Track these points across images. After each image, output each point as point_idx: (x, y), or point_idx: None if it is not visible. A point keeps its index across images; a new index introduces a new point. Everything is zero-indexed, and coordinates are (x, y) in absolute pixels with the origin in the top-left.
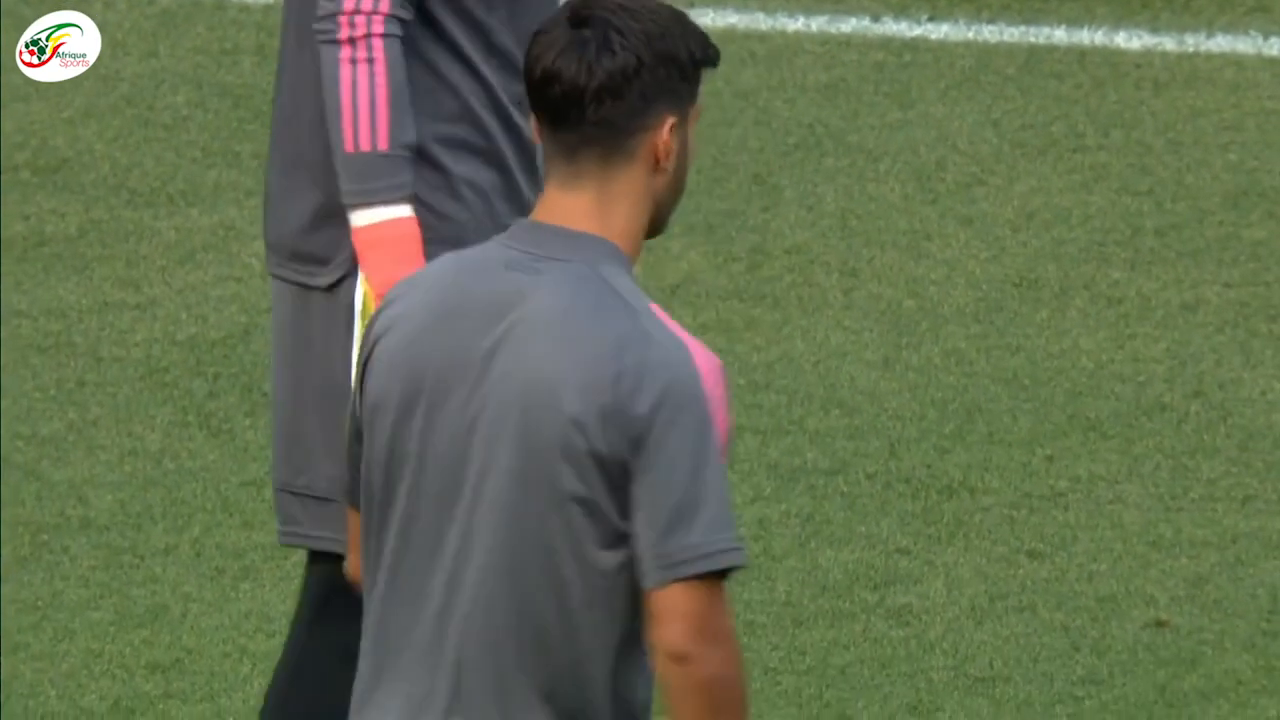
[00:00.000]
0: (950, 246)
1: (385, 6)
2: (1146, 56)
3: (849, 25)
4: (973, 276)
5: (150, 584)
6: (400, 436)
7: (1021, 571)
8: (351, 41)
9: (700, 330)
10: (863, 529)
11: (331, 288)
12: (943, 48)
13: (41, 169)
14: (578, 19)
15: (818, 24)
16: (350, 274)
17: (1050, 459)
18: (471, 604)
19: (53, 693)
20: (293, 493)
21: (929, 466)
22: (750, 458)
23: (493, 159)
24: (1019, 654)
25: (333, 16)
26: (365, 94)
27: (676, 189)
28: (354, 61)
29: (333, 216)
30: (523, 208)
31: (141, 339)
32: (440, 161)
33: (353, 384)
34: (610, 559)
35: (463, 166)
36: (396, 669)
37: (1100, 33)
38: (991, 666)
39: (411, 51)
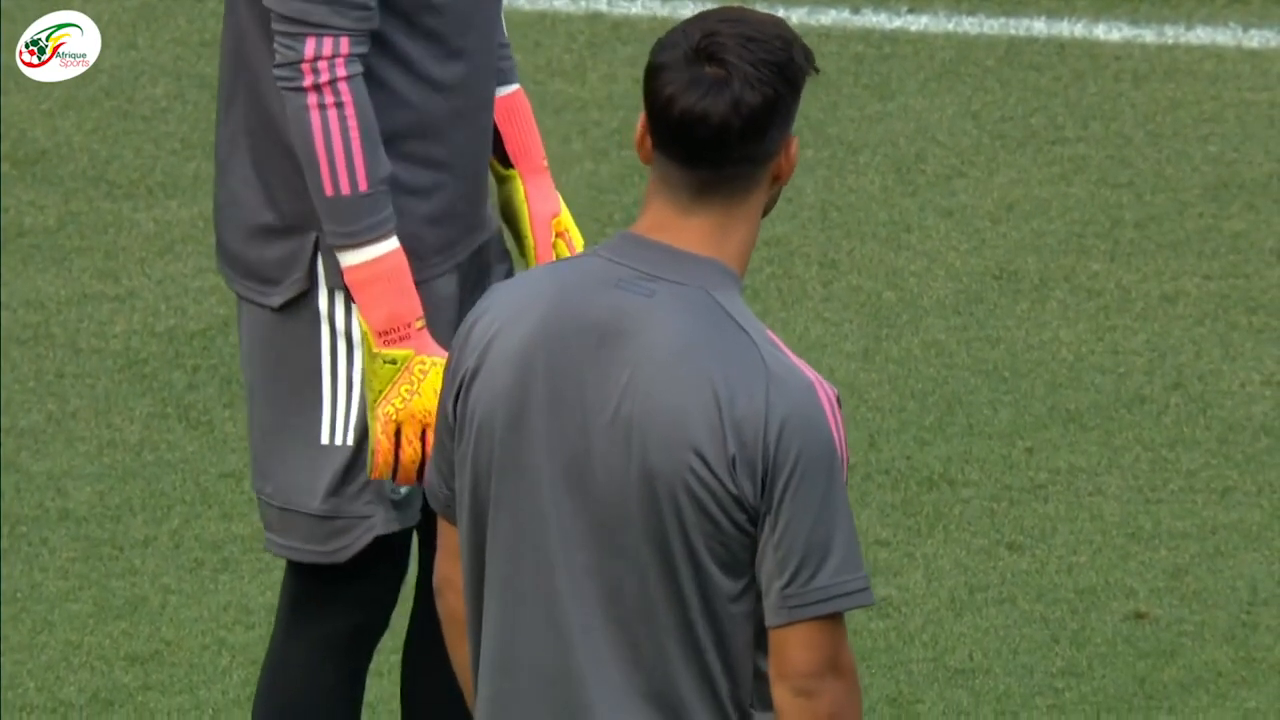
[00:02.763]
0: (930, 238)
1: (345, 48)
2: (1126, 48)
3: (828, 17)
4: (952, 268)
5: (129, 576)
6: (509, 455)
7: (1001, 563)
8: (318, 89)
9: None
10: None
11: (284, 308)
12: (922, 39)
13: (20, 161)
14: (704, 54)
15: (797, 15)
16: (305, 292)
17: (1030, 451)
18: (592, 636)
19: (31, 684)
20: (263, 499)
21: (909, 458)
22: None
23: (445, 153)
24: (998, 646)
25: (294, 65)
26: (339, 138)
27: (771, 207)
28: (323, 107)
29: (277, 238)
30: (482, 193)
31: (120, 331)
32: (396, 179)
33: (445, 394)
34: (733, 586)
35: (416, 176)
36: (522, 697)
37: (1080, 25)
38: (971, 658)
39: (370, 78)
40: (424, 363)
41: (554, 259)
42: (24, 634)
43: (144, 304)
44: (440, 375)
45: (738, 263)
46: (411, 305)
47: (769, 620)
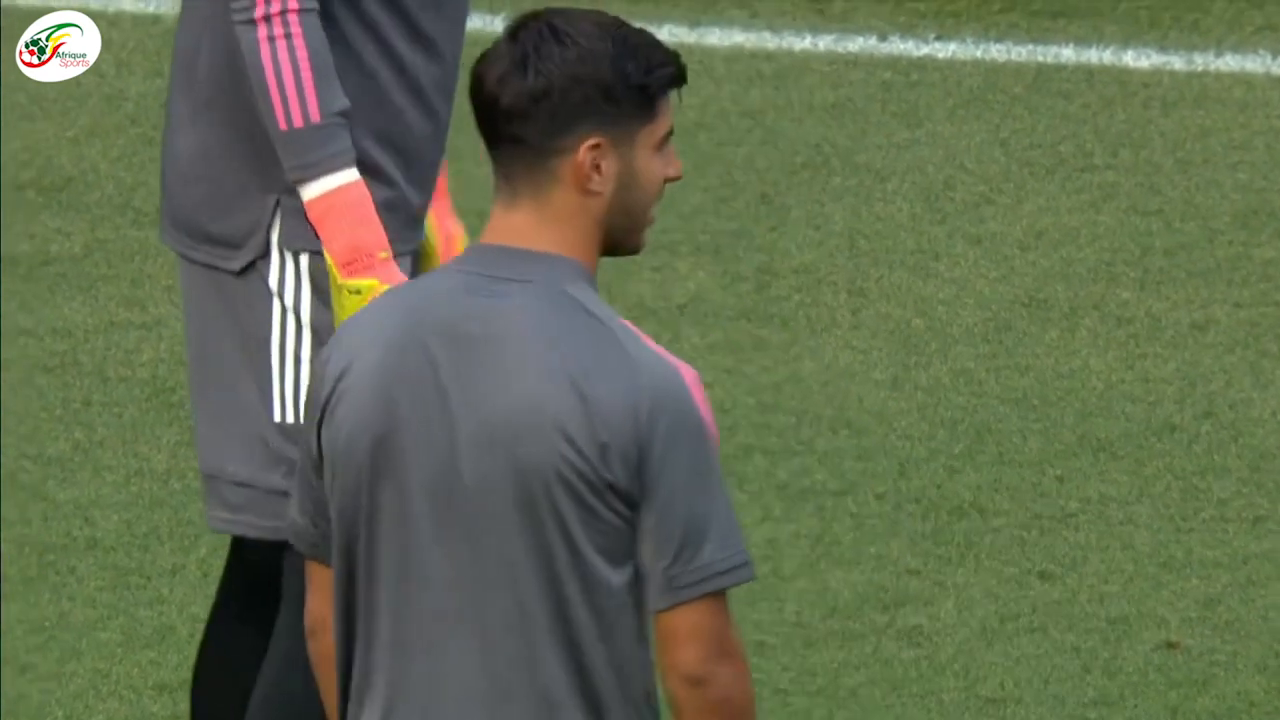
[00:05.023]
0: (959, 266)
1: None
2: (1155, 75)
3: (856, 44)
4: (981, 296)
5: (157, 605)
6: (379, 477)
7: (1032, 592)
8: (267, 19)
9: (708, 350)
10: (872, 549)
11: (244, 271)
12: (950, 67)
13: (46, 188)
14: (511, 34)
15: (825, 43)
16: (263, 255)
17: (1060, 479)
18: (479, 637)
19: (60, 713)
20: (216, 479)
21: (939, 487)
22: (759, 478)
23: (407, 143)
24: (1030, 675)
25: None
26: (289, 70)
27: (625, 211)
28: (272, 39)
29: (243, 198)
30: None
31: (148, 358)
32: (359, 149)
33: (306, 429)
34: (618, 579)
35: (378, 155)
36: (416, 711)
37: (1109, 52)
38: (1003, 688)
39: (338, 40)
40: None
41: None
42: (52, 663)
43: (171, 332)
44: None
45: (583, 258)
46: (375, 236)
47: (653, 605)
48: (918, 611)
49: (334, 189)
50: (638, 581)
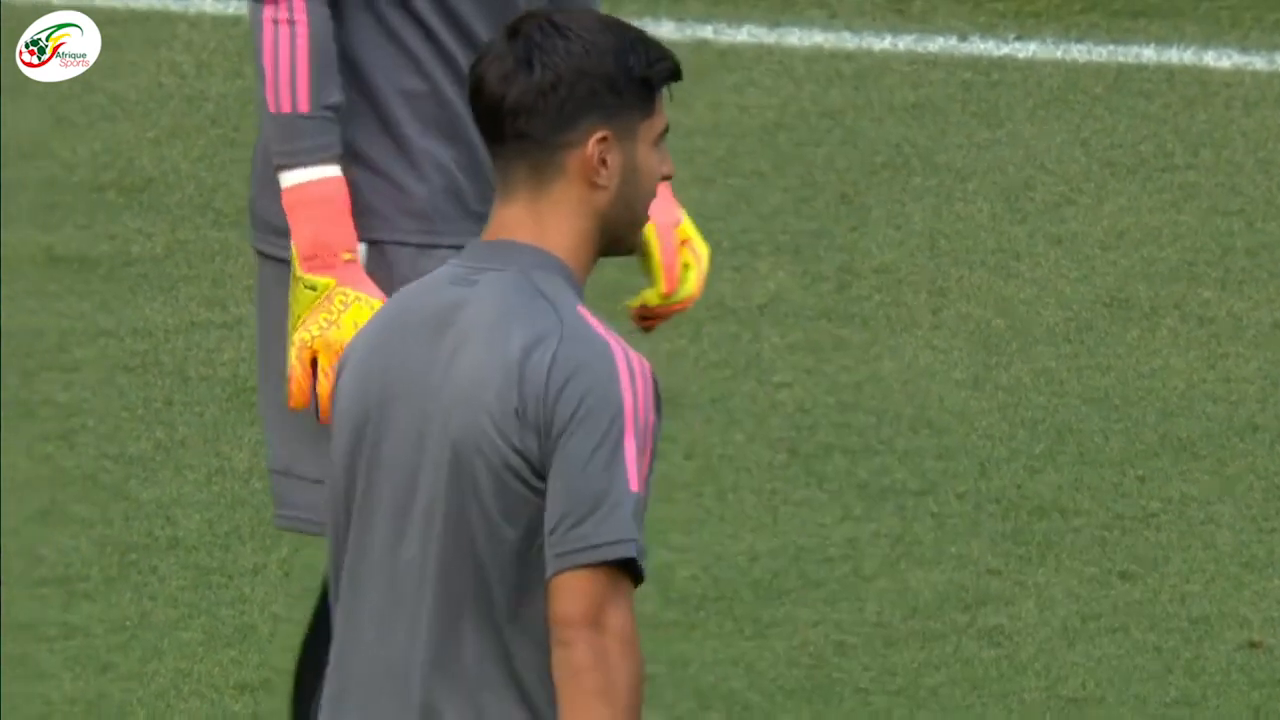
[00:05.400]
0: (1039, 266)
1: None
2: (1236, 75)
3: (936, 44)
4: (1062, 296)
5: (239, 604)
6: (355, 457)
7: (1114, 592)
8: (274, 2)
9: (788, 350)
10: (953, 549)
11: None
12: (1031, 66)
13: (128, 189)
14: (511, 33)
15: (905, 43)
16: None
17: (1142, 479)
18: (425, 622)
19: (142, 713)
20: (285, 475)
21: (1019, 487)
22: (839, 478)
23: (455, 134)
24: (1111, 675)
25: None
26: (286, 55)
27: (626, 205)
28: (275, 22)
29: None
30: (488, 185)
31: (228, 358)
32: (402, 135)
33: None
34: (527, 549)
35: (425, 140)
36: (357, 693)
37: (1189, 51)
38: (1084, 688)
39: (375, 21)
40: (345, 294)
41: (681, 268)
42: (134, 662)
43: (251, 331)
44: (365, 311)
45: (569, 256)
46: (342, 236)
47: (546, 573)
48: (999, 611)
49: (309, 181)
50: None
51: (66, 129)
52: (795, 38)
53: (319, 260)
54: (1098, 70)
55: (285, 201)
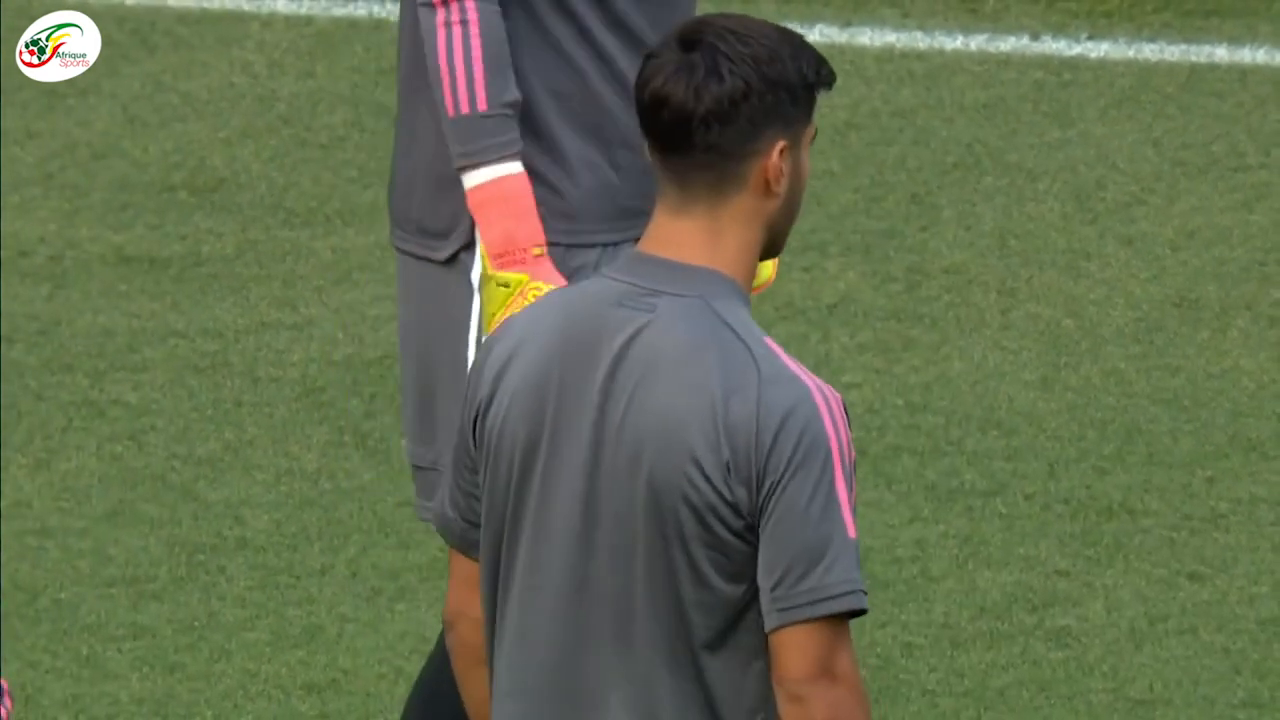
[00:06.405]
0: (1110, 266)
1: None
2: None
3: (1008, 44)
4: (1132, 296)
5: (306, 604)
6: (526, 477)
7: (1182, 594)
8: (446, 4)
9: (857, 350)
10: (1021, 550)
11: (449, 260)
12: (1102, 66)
13: (199, 189)
14: (687, 42)
15: (976, 43)
16: (468, 246)
17: (1211, 480)
18: (601, 641)
19: (209, 713)
20: (422, 468)
21: (1088, 487)
22: (908, 478)
23: (608, 133)
24: (1179, 677)
25: None
26: (460, 56)
27: (790, 212)
28: (448, 25)
29: (449, 188)
30: (643, 182)
31: (298, 359)
32: (553, 134)
33: (464, 423)
34: (735, 593)
35: (575, 141)
36: (539, 713)
37: (1262, 51)
38: (1152, 689)
39: (529, 21)
40: (539, 289)
41: None
42: (201, 662)
43: (321, 332)
44: None
45: (737, 270)
46: (530, 231)
47: (766, 625)
48: (1066, 613)
49: (493, 179)
50: (756, 600)
51: (138, 129)
52: (867, 37)
53: (510, 257)
54: (1170, 70)
55: (471, 201)
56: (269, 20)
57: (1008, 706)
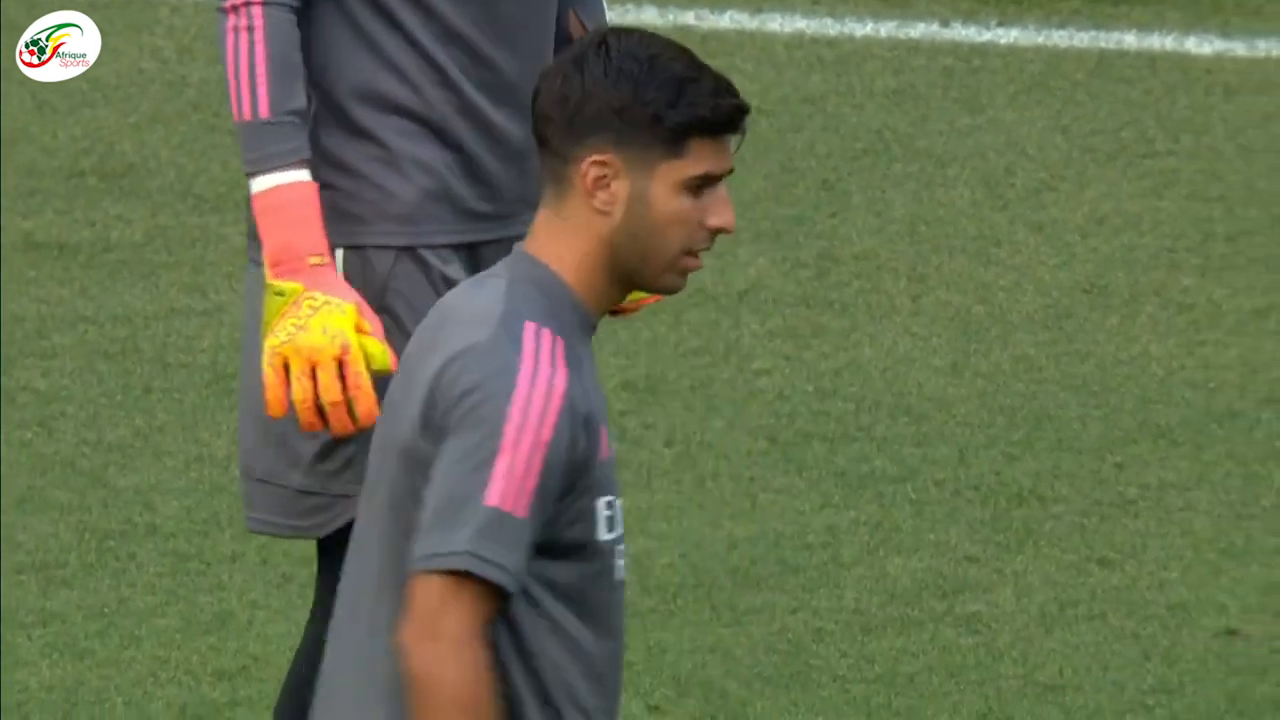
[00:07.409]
0: (1019, 252)
1: None
2: (1218, 61)
3: (917, 30)
4: (1042, 283)
5: (217, 591)
6: (369, 460)
7: (1091, 579)
8: (235, 10)
9: (767, 337)
10: (931, 536)
11: (261, 265)
12: (1012, 53)
13: (108, 175)
14: (582, 50)
15: (886, 29)
16: None
17: (1120, 466)
18: (359, 616)
19: (119, 700)
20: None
21: (998, 474)
22: (818, 465)
23: (445, 138)
24: (1089, 662)
25: None
26: (245, 62)
27: (633, 238)
28: (236, 30)
29: None
30: (493, 192)
31: (208, 345)
32: (383, 138)
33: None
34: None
35: (409, 144)
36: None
37: (1171, 38)
38: (1061, 675)
39: (347, 23)
40: (314, 299)
41: None
42: (112, 649)
43: (231, 319)
44: (334, 315)
45: (572, 275)
46: (310, 240)
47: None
48: (977, 599)
49: (273, 187)
50: None
51: (47, 114)
52: (777, 24)
53: (285, 265)
54: (1079, 56)
55: (254, 208)
56: (178, 6)
57: (918, 692)
